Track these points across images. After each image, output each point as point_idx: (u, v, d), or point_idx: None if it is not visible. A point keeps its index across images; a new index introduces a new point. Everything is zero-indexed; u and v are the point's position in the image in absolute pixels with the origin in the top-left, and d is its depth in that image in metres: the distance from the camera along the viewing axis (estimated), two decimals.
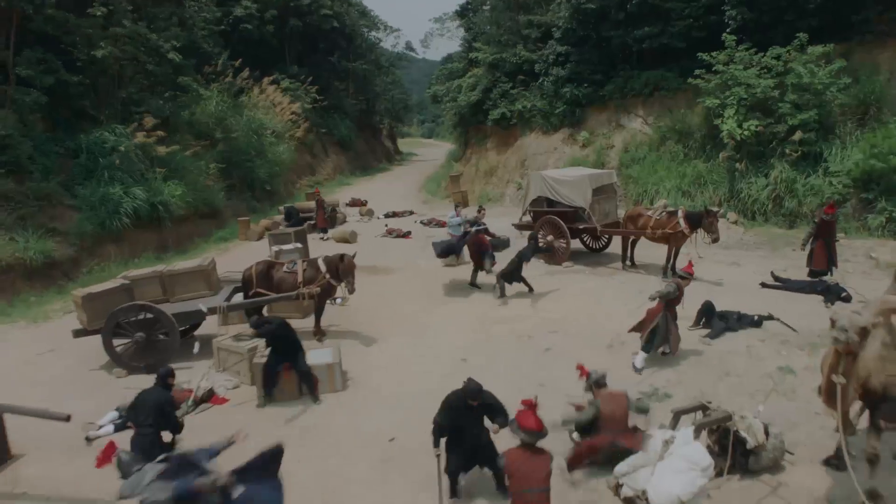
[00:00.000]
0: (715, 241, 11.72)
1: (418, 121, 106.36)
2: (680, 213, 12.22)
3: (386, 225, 20.17)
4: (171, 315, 9.41)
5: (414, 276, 14.41)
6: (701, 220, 11.82)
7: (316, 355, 8.62)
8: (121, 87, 19.38)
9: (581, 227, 14.07)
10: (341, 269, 9.98)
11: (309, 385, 8.09)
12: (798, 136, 16.17)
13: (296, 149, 30.95)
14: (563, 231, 13.91)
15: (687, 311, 9.41)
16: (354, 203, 26.56)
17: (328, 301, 12.14)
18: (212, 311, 9.71)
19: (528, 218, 15.31)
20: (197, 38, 27.88)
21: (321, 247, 18.19)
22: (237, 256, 17.50)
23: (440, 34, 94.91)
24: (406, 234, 19.18)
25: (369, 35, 50.02)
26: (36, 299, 13.64)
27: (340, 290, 11.96)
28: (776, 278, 11.95)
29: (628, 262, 13.60)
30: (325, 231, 19.58)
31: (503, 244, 16.06)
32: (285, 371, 8.12)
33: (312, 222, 19.89)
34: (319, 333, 10.45)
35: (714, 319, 9.66)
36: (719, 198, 17.94)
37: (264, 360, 8.16)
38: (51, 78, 16.53)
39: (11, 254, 13.70)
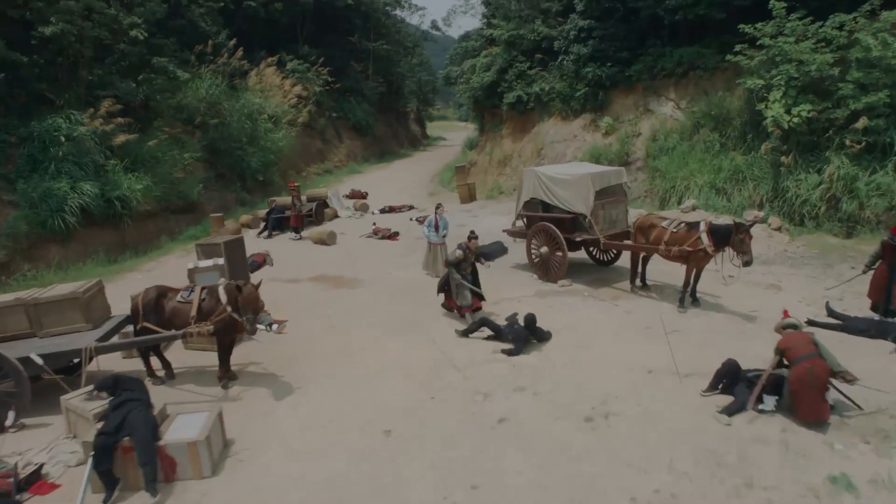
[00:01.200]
0: (746, 263, 9.00)
1: (455, 103, 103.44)
2: (702, 227, 9.52)
3: (374, 224, 17.90)
4: (28, 356, 7.37)
5: (382, 291, 12.11)
6: (729, 237, 9.12)
7: (181, 425, 6.43)
8: (83, 68, 17.51)
9: (580, 238, 11.47)
10: (240, 301, 7.74)
11: (148, 472, 5.88)
12: (862, 123, 13.13)
13: (297, 135, 28.86)
14: (559, 242, 11.35)
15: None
16: (354, 195, 24.40)
17: (261, 327, 10.04)
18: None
19: (521, 223, 12.78)
20: (193, 17, 26.06)
21: (293, 250, 16.09)
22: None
23: (463, 11, 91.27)
24: (393, 236, 16.87)
25: (392, 14, 47.44)
26: None
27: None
28: (831, 312, 9.17)
29: (639, 283, 10.98)
30: (296, 231, 17.43)
31: (496, 251, 13.64)
32: (124, 449, 5.97)
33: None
34: (225, 377, 8.27)
35: (738, 385, 6.97)
36: (760, 197, 15.01)
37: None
38: None
39: None
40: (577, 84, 21.64)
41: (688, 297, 9.92)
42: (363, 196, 24.27)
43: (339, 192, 22.23)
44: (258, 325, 10.22)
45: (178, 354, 9.34)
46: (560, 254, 11.42)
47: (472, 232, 10.15)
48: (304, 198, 19.81)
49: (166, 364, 8.60)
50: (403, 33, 49.85)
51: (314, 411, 7.47)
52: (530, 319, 8.97)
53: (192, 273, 9.45)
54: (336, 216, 20.48)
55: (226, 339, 8.11)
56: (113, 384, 6.57)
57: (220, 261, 9.70)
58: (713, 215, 14.62)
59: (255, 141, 23.98)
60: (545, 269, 11.83)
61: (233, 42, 25.96)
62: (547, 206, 12.01)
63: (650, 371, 7.84)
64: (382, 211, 21.15)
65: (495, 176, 24.87)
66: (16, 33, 16.18)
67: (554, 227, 11.47)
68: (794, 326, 6.86)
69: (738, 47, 15.35)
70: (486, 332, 9.30)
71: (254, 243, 16.98)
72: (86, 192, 14.87)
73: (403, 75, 47.46)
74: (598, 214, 11.17)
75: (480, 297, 10.05)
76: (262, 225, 18.33)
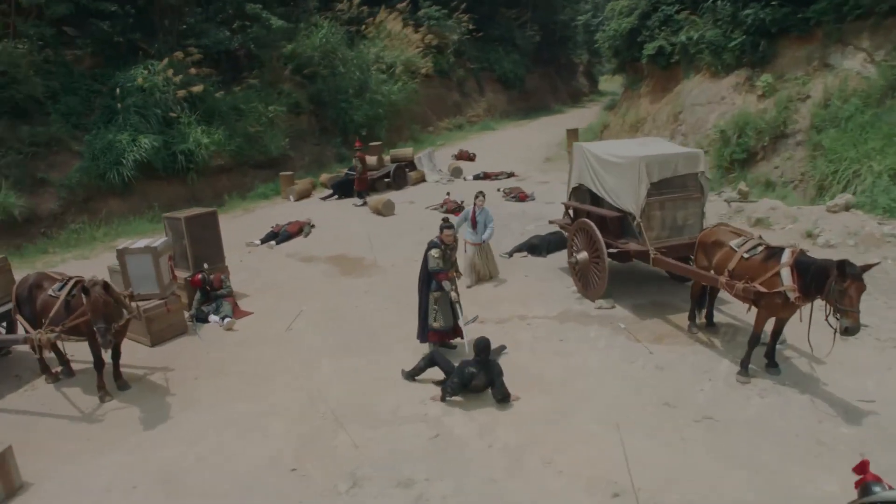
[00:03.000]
0: (847, 331, 5.34)
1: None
2: (786, 258, 5.92)
3: (448, 193, 15.61)
4: None
5: (389, 287, 9.99)
6: (825, 281, 5.49)
7: None
8: (174, 15, 17.23)
9: (621, 244, 8.19)
10: (86, 305, 6.16)
11: None
12: None
13: (422, 87, 26.98)
14: (599, 249, 8.22)
15: None
16: (461, 156, 22.10)
17: (214, 319, 8.63)
18: None
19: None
20: None
21: (341, 220, 14.47)
22: (248, 222, 14.66)
23: None
24: (458, 210, 14.46)
25: None
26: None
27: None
28: None
29: (700, 320, 7.56)
30: (360, 196, 15.72)
31: (545, 245, 10.80)
32: None
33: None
34: (103, 389, 6.87)
35: None
36: None
37: None
38: (64, 7, 14.72)
39: None
40: (733, 31, 16.85)
41: (765, 360, 6.41)
42: (470, 158, 21.89)
43: (432, 152, 20.10)
44: (212, 318, 8.86)
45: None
46: (600, 264, 8.29)
47: (445, 220, 7.50)
48: (387, 158, 18.14)
49: (63, 359, 7.45)
50: None
51: (128, 468, 5.68)
52: (480, 347, 6.32)
53: (120, 255, 8.10)
54: (423, 180, 18.46)
55: (95, 345, 6.64)
56: None
57: (158, 243, 8.23)
58: (877, 220, 10.14)
59: (363, 93, 22.59)
60: (584, 282, 8.78)
61: None
62: (596, 198, 8.84)
63: (616, 496, 4.86)
64: (476, 177, 18.66)
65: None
66: None
67: (595, 228, 8.33)
68: None
69: None
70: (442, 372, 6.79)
71: (308, 208, 15.76)
72: (143, 146, 14.50)
73: (567, 24, 42.89)
74: (652, 216, 7.80)
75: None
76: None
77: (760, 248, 6.29)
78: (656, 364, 6.83)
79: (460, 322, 7.34)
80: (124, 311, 6.71)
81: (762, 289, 6.00)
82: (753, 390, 6.19)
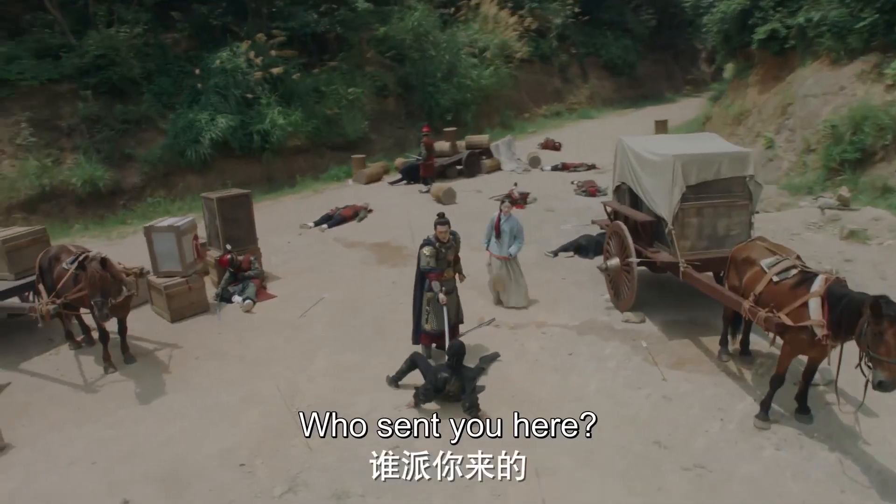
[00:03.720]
0: (880, 386, 4.28)
1: None
2: (817, 286, 4.88)
3: (515, 184, 14.93)
4: None
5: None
6: (857, 320, 4.44)
7: None
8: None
9: (651, 252, 7.25)
10: (82, 280, 6.36)
11: None
12: None
13: (516, 71, 26.14)
14: (629, 254, 7.36)
15: None
16: (547, 145, 21.20)
17: (237, 300, 8.75)
18: None
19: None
20: None
21: (400, 206, 14.24)
22: (314, 203, 14.82)
23: None
24: (519, 203, 13.79)
25: None
26: (79, 227, 13.23)
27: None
28: None
29: (732, 348, 6.54)
30: (425, 182, 15.41)
31: (593, 245, 10.01)
32: None
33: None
34: (107, 361, 7.11)
35: None
36: None
37: None
38: None
39: (62, 180, 13.39)
40: (862, 9, 14.67)
41: (784, 396, 5.40)
42: (556, 147, 20.94)
43: (512, 140, 19.31)
44: (235, 298, 8.97)
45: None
46: (630, 273, 7.42)
47: (441, 215, 6.97)
48: (460, 144, 17.72)
49: (85, 327, 7.81)
50: None
51: (101, 442, 5.77)
52: (453, 350, 5.83)
53: (147, 232, 8.38)
54: (498, 169, 17.85)
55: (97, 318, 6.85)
56: None
57: (182, 222, 8.41)
58: None
59: (451, 77, 22.22)
60: (615, 291, 7.94)
61: None
62: (636, 199, 7.93)
63: None
64: (554, 168, 17.77)
65: (726, 136, 19.01)
66: None
67: (626, 232, 7.47)
68: None
69: None
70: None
71: (374, 192, 15.71)
72: (219, 125, 15.10)
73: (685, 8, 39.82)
74: (687, 223, 6.82)
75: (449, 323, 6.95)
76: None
77: (794, 272, 5.24)
78: (665, 394, 5.97)
79: (462, 327, 6.85)
80: (123, 287, 6.87)
81: (787, 320, 4.99)
82: (770, 439, 5.21)
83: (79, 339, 7.81)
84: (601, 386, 6.21)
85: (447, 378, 5.76)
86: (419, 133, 20.93)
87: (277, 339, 7.85)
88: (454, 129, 18.31)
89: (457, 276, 7.05)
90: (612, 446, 5.21)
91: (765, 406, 5.39)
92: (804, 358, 5.37)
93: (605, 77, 34.29)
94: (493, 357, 6.86)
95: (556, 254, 10.26)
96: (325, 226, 12.78)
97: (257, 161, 16.41)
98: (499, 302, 8.36)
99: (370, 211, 13.66)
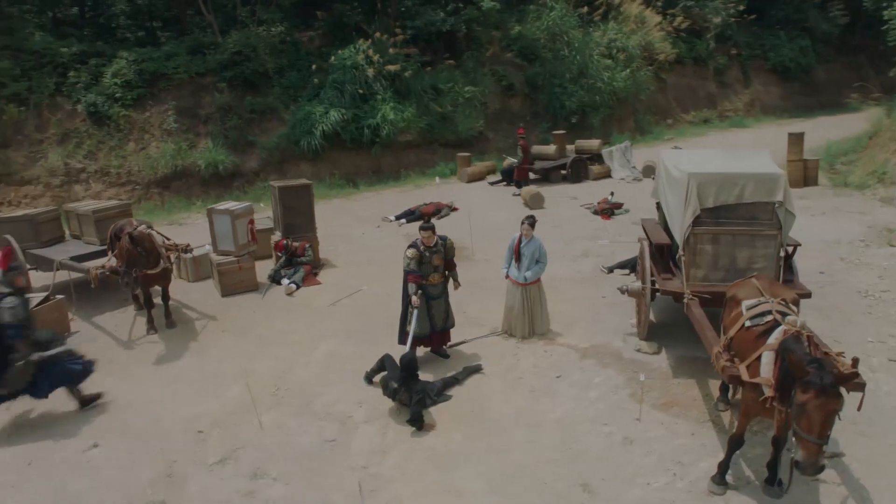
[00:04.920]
0: (799, 466, 3.51)
1: None
2: (773, 337, 4.10)
3: (612, 192, 14.12)
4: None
5: (467, 279, 9.46)
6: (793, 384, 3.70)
7: None
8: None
9: (664, 278, 6.50)
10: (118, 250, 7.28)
11: None
12: None
13: (658, 74, 24.60)
14: (644, 280, 6.72)
15: None
16: None
17: (286, 281, 9.37)
18: None
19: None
20: None
21: (485, 206, 14.15)
22: (410, 198, 15.26)
23: None
24: (605, 214, 13.09)
25: None
26: (199, 203, 14.94)
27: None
28: None
29: (732, 396, 5.71)
30: (519, 185, 15.12)
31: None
32: None
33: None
34: (149, 324, 8.02)
35: None
36: None
37: None
38: None
39: (191, 162, 15.24)
40: None
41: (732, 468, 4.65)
42: None
43: (628, 146, 18.16)
44: (284, 281, 9.61)
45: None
46: (645, 298, 6.77)
47: (427, 219, 6.82)
48: (570, 149, 17.16)
49: (167, 312, 8.37)
50: None
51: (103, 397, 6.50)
52: (403, 363, 5.83)
53: (209, 213, 9.30)
54: (607, 176, 17.00)
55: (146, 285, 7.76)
56: None
57: (239, 206, 9.20)
58: None
59: (581, 78, 21.50)
60: (637, 317, 7.29)
61: None
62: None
63: None
64: None
65: (890, 153, 16.32)
66: None
67: (646, 254, 6.82)
68: None
69: None
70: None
71: (470, 190, 15.78)
72: (331, 118, 16.13)
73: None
74: (701, 250, 6.04)
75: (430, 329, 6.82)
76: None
77: (769, 318, 4.46)
78: (629, 435, 5.40)
79: (464, 335, 6.75)
80: (161, 261, 7.69)
81: (743, 374, 4.29)
82: None
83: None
84: (566, 415, 5.78)
85: (396, 389, 5.75)
86: (542, 135, 20.70)
87: (299, 323, 8.30)
88: (563, 132, 17.74)
89: (451, 282, 6.95)
90: (533, 480, 4.86)
91: (721, 468, 4.66)
92: None
93: (771, 82, 30.88)
94: (475, 369, 6.67)
95: (611, 270, 9.62)
96: (403, 220, 13.13)
97: (367, 153, 17.25)
98: (508, 334, 7.51)
99: (454, 209, 13.78)
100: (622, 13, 24.25)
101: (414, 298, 6.51)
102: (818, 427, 3.48)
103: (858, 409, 4.19)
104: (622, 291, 7.34)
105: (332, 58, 16.87)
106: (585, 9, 23.27)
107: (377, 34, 17.47)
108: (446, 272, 6.88)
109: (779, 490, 4.56)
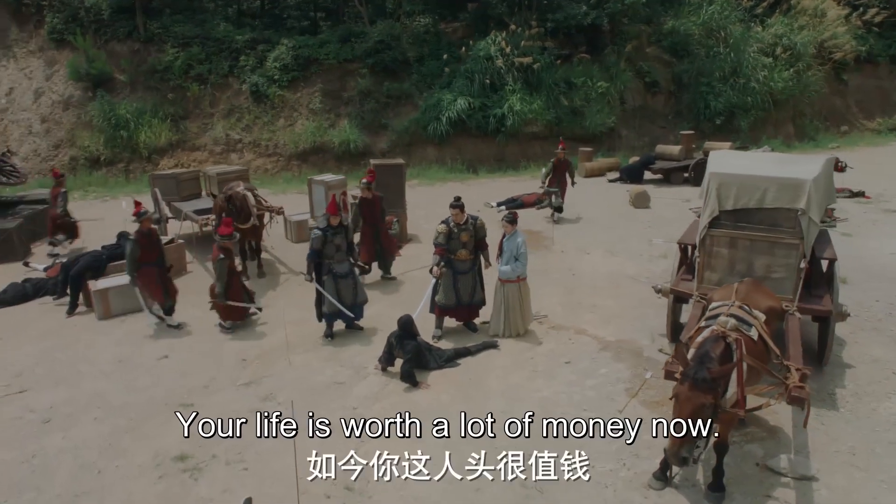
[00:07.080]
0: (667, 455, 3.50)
1: None
2: (702, 336, 4.08)
3: None
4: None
5: (537, 270, 9.46)
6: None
7: None
8: None
9: (682, 277, 6.33)
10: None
11: None
12: None
13: (829, 76, 22.08)
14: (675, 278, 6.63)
15: None
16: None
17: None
18: None
19: None
20: None
21: (611, 202, 14.03)
22: (520, 186, 15.58)
23: None
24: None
25: None
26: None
27: None
28: None
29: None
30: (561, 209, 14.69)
31: None
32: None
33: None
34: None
35: None
36: None
37: None
38: None
39: (328, 140, 16.98)
40: None
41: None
42: (840, 168, 17.28)
43: (767, 150, 16.63)
44: None
45: None
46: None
47: (457, 198, 7.24)
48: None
49: (259, 263, 9.70)
50: None
51: (118, 356, 7.06)
52: (400, 322, 6.45)
53: (309, 183, 10.58)
54: None
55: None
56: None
57: (334, 179, 10.37)
58: None
59: (731, 77, 20.09)
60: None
61: None
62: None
63: None
64: None
65: None
66: None
67: (680, 255, 6.71)
68: None
69: None
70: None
71: (583, 186, 15.64)
72: (458, 106, 16.93)
73: None
74: (716, 253, 5.85)
75: (466, 301, 7.31)
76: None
77: (721, 318, 4.38)
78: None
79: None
80: (252, 218, 9.00)
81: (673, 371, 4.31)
82: (646, 500, 4.57)
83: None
84: (551, 396, 6.02)
85: (392, 344, 6.38)
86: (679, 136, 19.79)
87: (367, 287, 9.18)
88: (691, 132, 16.86)
89: (482, 260, 7.38)
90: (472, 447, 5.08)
91: (663, 465, 4.67)
92: None
93: None
94: (491, 345, 7.07)
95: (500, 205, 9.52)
96: (503, 207, 13.55)
97: (491, 141, 17.82)
98: (500, 334, 7.31)
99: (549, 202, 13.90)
100: (795, 6, 22.06)
101: (435, 269, 7.05)
102: (677, 417, 3.52)
103: (804, 425, 4.02)
104: (656, 291, 7.24)
105: (463, 48, 17.60)
106: (750, 1, 21.56)
107: (513, 26, 17.87)
108: (477, 251, 7.32)
109: (719, 496, 4.49)
